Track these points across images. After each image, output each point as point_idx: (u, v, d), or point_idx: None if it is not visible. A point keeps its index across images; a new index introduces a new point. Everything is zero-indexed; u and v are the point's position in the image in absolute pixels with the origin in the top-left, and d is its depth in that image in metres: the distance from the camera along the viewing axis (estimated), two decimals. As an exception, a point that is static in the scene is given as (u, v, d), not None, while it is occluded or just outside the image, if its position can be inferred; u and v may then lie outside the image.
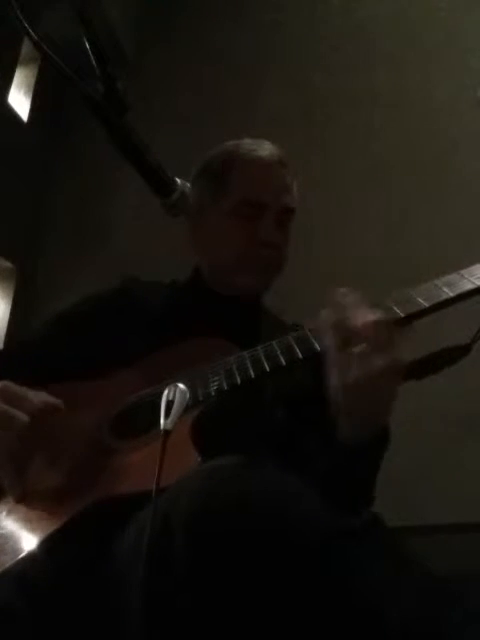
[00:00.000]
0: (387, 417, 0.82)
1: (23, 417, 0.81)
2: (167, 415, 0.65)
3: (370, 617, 0.60)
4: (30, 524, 0.77)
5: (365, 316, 0.76)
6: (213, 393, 0.84)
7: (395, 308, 0.82)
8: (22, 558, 0.71)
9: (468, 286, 0.81)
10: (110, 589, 0.67)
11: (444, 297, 0.81)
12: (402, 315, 0.81)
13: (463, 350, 0.82)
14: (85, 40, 0.76)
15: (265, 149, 1.14)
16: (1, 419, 0.81)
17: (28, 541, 0.74)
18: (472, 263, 0.85)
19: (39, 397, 0.85)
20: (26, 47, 3.70)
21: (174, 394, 0.68)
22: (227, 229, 1.12)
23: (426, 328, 0.81)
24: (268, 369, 0.84)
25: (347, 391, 0.77)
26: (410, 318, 0.81)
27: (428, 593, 0.72)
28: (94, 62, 0.76)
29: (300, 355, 0.84)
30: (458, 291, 0.81)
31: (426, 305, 0.81)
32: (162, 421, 0.65)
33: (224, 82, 3.50)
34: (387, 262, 2.60)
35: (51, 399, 0.85)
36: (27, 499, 0.81)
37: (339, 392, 0.78)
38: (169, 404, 0.67)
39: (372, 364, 0.74)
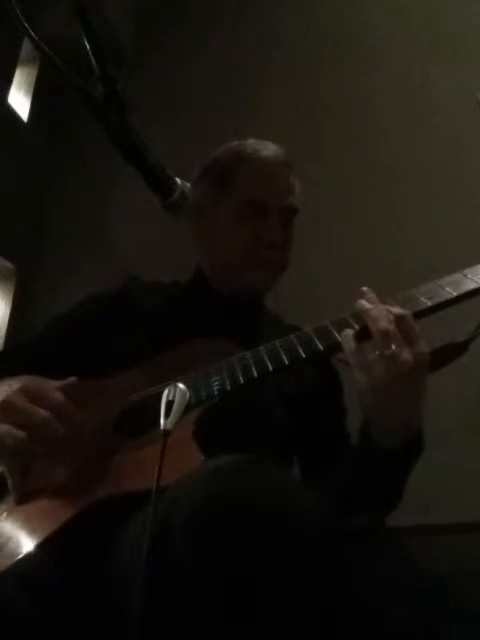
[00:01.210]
0: (419, 417, 0.81)
1: (43, 414, 0.81)
2: (167, 415, 0.66)
3: (370, 617, 0.60)
4: (31, 523, 0.78)
5: (388, 311, 0.76)
6: (216, 392, 0.85)
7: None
8: (23, 558, 0.71)
9: (471, 286, 0.81)
10: (112, 588, 0.67)
11: (447, 297, 0.81)
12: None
13: (459, 348, 0.80)
14: (85, 40, 0.75)
15: (270, 150, 1.14)
16: (23, 416, 0.81)
17: (29, 541, 0.74)
18: (474, 262, 0.85)
19: (59, 397, 0.84)
20: (26, 47, 3.71)
21: (174, 394, 0.68)
22: (231, 228, 1.12)
23: (422, 327, 0.80)
24: (271, 369, 0.84)
25: (375, 391, 0.76)
26: (415, 317, 0.81)
27: (428, 593, 0.72)
28: (94, 62, 0.76)
29: (303, 355, 0.83)
30: (461, 290, 0.81)
31: (429, 304, 0.81)
32: (162, 421, 0.65)
33: (224, 82, 3.50)
34: (387, 263, 2.59)
35: (67, 404, 0.84)
36: (29, 499, 0.81)
37: (367, 394, 0.78)
38: (169, 404, 0.67)
39: (397, 359, 0.74)
